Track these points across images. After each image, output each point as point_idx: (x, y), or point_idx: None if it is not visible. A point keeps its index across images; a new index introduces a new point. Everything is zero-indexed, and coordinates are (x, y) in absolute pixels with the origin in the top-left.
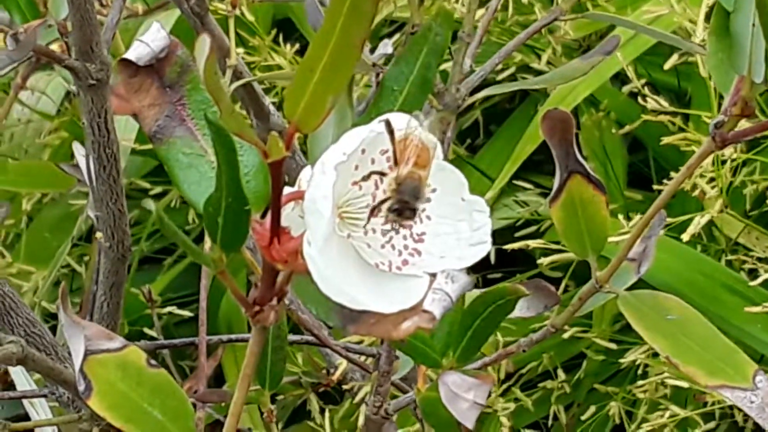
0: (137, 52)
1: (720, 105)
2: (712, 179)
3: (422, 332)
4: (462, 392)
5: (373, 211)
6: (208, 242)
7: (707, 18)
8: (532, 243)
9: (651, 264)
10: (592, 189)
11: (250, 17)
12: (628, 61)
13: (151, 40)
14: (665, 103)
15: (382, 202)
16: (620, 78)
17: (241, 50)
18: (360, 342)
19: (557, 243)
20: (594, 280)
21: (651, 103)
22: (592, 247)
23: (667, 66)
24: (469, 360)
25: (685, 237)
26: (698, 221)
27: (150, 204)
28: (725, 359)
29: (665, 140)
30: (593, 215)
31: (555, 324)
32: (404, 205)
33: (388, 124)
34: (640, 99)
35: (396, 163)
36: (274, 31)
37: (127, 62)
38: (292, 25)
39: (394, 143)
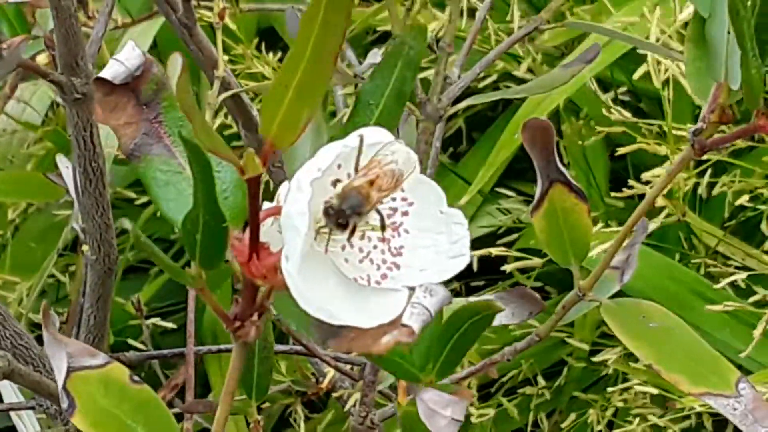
0: (112, 70)
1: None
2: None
3: (401, 347)
4: (440, 409)
5: (327, 211)
6: None
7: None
8: (494, 251)
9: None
10: (573, 198)
11: (233, 26)
12: (603, 67)
13: (125, 58)
14: (628, 114)
15: (327, 204)
16: (602, 85)
17: (225, 59)
18: (349, 351)
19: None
20: (577, 289)
21: (615, 114)
22: (574, 256)
23: (636, 75)
24: (448, 374)
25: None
26: (653, 225)
27: (126, 223)
28: (708, 366)
29: (620, 150)
30: (575, 224)
31: (539, 333)
32: (340, 215)
33: (361, 140)
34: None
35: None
36: (256, 40)
37: (102, 81)
38: (275, 33)
39: (359, 156)
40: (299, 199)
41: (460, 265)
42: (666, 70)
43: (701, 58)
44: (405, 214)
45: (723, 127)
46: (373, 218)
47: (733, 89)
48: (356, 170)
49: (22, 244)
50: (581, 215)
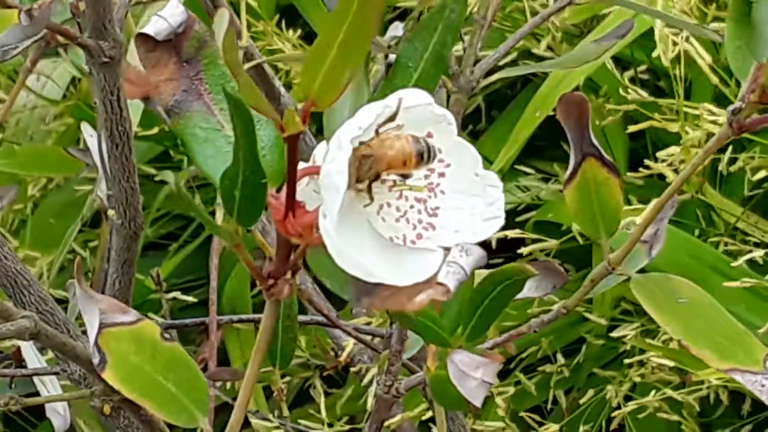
0: (156, 26)
1: (716, 91)
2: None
3: (432, 311)
4: (470, 371)
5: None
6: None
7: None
8: (510, 233)
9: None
10: (606, 172)
11: (253, 3)
12: (623, 46)
13: (169, 15)
14: (644, 93)
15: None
16: (621, 64)
17: (246, 35)
18: (369, 323)
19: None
20: (606, 262)
21: (632, 94)
22: (605, 229)
23: (655, 54)
24: (478, 339)
25: None
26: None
27: (169, 176)
28: (736, 343)
29: (631, 128)
30: (607, 198)
31: (567, 305)
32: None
33: (400, 100)
34: (621, 90)
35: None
36: (276, 17)
37: (145, 37)
38: (295, 11)
39: (393, 117)
40: (339, 157)
41: (494, 227)
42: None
43: (742, 37)
44: (442, 175)
45: None
46: (412, 178)
47: None
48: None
49: (42, 219)
50: (613, 189)
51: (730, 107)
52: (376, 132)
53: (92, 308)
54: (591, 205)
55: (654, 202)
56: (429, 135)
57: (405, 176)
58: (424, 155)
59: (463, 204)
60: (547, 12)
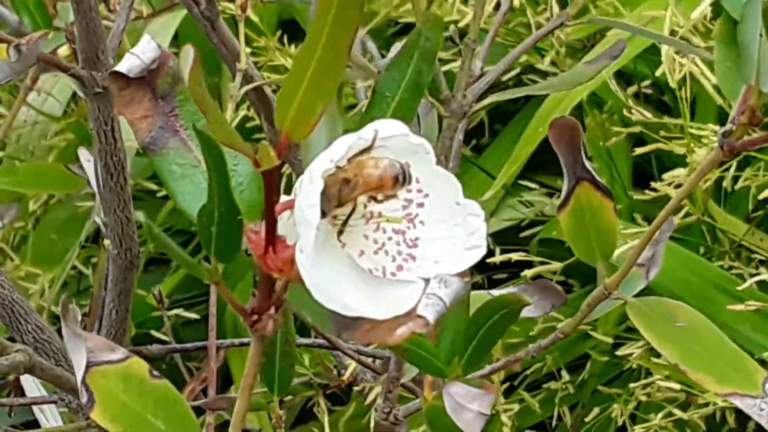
0: (128, 64)
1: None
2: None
3: (427, 341)
4: (466, 403)
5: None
6: None
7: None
8: (515, 256)
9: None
10: (600, 196)
11: (255, 18)
12: (626, 61)
13: (141, 51)
14: (649, 114)
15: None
16: (625, 78)
17: (247, 51)
18: (364, 343)
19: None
20: (602, 287)
21: (636, 115)
22: (600, 253)
23: (658, 72)
24: (474, 368)
25: None
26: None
27: (141, 216)
28: (735, 366)
29: (638, 150)
30: (601, 222)
31: (563, 330)
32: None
33: (375, 132)
34: (625, 111)
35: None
36: (279, 32)
37: (118, 75)
38: (297, 26)
39: (368, 150)
40: (311, 192)
41: (475, 256)
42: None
43: (731, 59)
44: (420, 205)
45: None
46: (388, 209)
47: (764, 91)
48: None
49: (44, 235)
50: (607, 213)
51: (721, 129)
52: (351, 159)
53: (79, 347)
54: (586, 230)
55: (646, 222)
56: (407, 165)
57: (383, 200)
58: (399, 177)
59: (444, 234)
60: (542, 32)
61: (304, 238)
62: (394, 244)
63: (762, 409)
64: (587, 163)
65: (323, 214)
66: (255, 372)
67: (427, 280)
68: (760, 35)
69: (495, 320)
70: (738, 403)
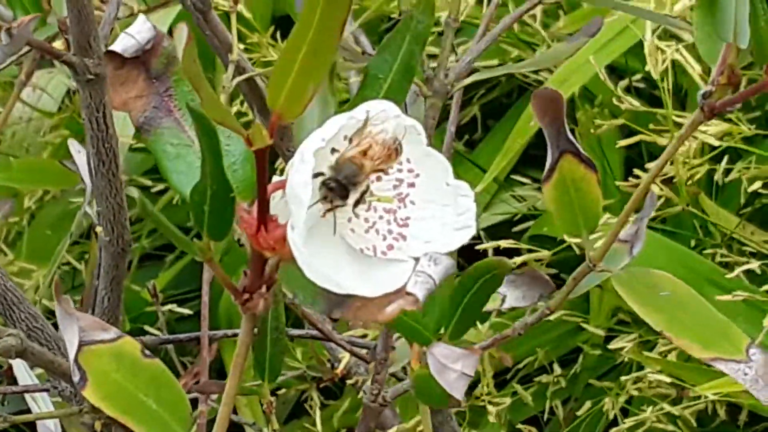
0: (123, 44)
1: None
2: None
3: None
4: (450, 363)
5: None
6: None
7: None
8: (504, 243)
9: (641, 247)
10: (583, 168)
11: (248, 14)
12: (617, 55)
13: (136, 32)
14: (637, 103)
15: (319, 175)
16: (617, 73)
17: (240, 47)
18: (364, 336)
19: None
20: (588, 260)
21: (626, 104)
22: (585, 226)
23: (649, 63)
24: (461, 336)
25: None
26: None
27: (134, 192)
28: (719, 333)
29: (621, 142)
30: (585, 194)
31: (550, 306)
32: (337, 184)
33: (367, 112)
34: (614, 100)
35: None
36: (272, 28)
37: (113, 54)
38: (291, 22)
39: (362, 129)
40: (302, 170)
41: (465, 236)
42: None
43: (710, 22)
44: (411, 185)
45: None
46: (379, 189)
47: (742, 48)
48: (354, 143)
49: (39, 231)
50: (591, 185)
51: (700, 91)
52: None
53: (72, 326)
54: (570, 202)
55: (638, 213)
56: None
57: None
58: (397, 148)
59: (434, 214)
60: (517, 13)
61: (295, 216)
62: (385, 224)
63: (746, 374)
64: (570, 135)
65: (345, 197)
66: (246, 351)
67: (417, 259)
68: None
69: (479, 286)
70: (722, 367)
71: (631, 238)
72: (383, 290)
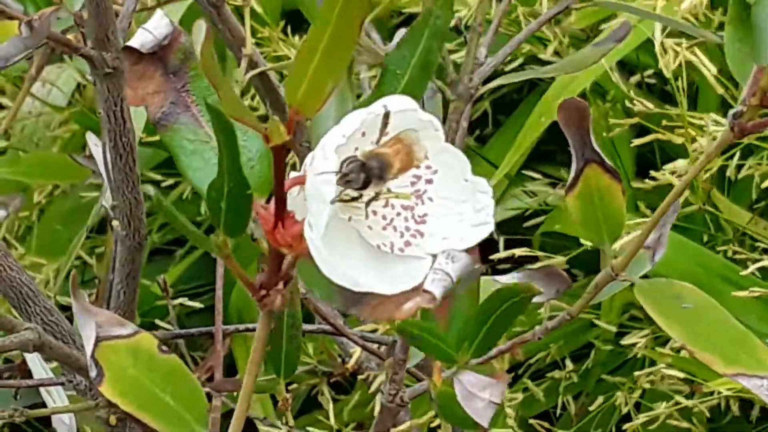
0: (141, 39)
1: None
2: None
3: (436, 327)
4: (477, 391)
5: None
6: None
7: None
8: (519, 251)
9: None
10: (608, 178)
11: (259, 9)
12: (629, 50)
13: (154, 27)
14: (651, 105)
15: (343, 170)
16: (627, 68)
17: (251, 41)
18: (375, 330)
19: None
20: (610, 268)
21: (638, 105)
22: (608, 236)
23: (662, 63)
24: (484, 355)
25: None
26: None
27: (150, 189)
28: (741, 347)
29: (636, 141)
30: (609, 203)
31: (570, 312)
32: (366, 172)
33: (386, 109)
34: (627, 102)
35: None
36: (282, 23)
37: (131, 50)
38: (301, 16)
39: (384, 126)
40: (324, 167)
41: (483, 233)
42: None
43: (742, 40)
44: (429, 181)
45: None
46: (397, 185)
47: None
48: (380, 139)
49: (49, 226)
50: (615, 195)
51: (732, 111)
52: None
53: (89, 321)
54: (594, 212)
55: (649, 210)
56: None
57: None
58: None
59: (452, 210)
60: (544, 18)
61: (315, 215)
62: (402, 220)
63: None
64: (596, 146)
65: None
66: (263, 347)
67: (434, 256)
68: None
69: (505, 309)
70: (745, 383)
71: (653, 244)
72: (400, 288)
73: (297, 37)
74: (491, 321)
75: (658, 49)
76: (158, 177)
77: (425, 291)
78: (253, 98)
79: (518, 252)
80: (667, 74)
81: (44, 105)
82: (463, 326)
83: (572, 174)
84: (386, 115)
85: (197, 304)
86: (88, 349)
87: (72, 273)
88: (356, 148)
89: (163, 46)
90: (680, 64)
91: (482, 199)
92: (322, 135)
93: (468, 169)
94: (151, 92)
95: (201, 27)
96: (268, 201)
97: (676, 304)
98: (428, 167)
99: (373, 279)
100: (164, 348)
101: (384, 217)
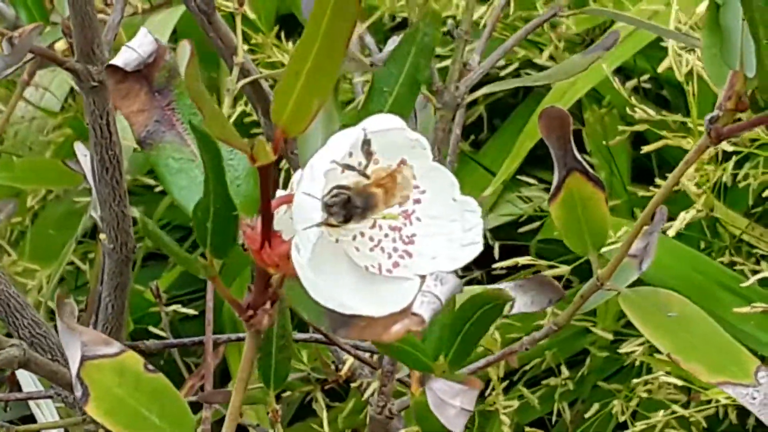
0: (124, 57)
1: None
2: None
3: (413, 337)
4: (449, 399)
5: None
6: None
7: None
8: (521, 260)
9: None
10: (591, 186)
11: (252, 15)
12: (629, 56)
13: (138, 45)
14: (652, 112)
15: (326, 201)
16: (624, 73)
17: (244, 47)
18: (359, 340)
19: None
20: (595, 278)
21: (639, 113)
22: (592, 244)
23: (660, 69)
24: (462, 363)
25: (671, 232)
26: (683, 217)
27: (135, 212)
28: (727, 355)
29: (645, 148)
30: (593, 212)
31: (557, 322)
32: (349, 210)
33: (365, 131)
34: (628, 109)
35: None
36: (276, 28)
37: (115, 68)
38: (296, 21)
39: (368, 151)
40: (313, 189)
41: (472, 253)
42: (687, 63)
43: (716, 45)
44: (417, 201)
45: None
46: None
47: (749, 76)
48: (367, 165)
49: (42, 231)
50: (599, 204)
51: (708, 116)
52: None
53: (74, 341)
54: (577, 221)
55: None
56: (403, 161)
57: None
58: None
59: (440, 230)
60: (531, 25)
61: (303, 238)
62: (390, 241)
63: (754, 398)
64: (577, 154)
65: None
66: (250, 366)
67: (423, 277)
68: (742, 20)
69: (480, 315)
70: (730, 391)
71: (640, 253)
72: (389, 309)
73: (290, 43)
74: (466, 329)
75: (670, 52)
76: (152, 182)
77: (414, 314)
78: (246, 104)
79: (521, 261)
80: (680, 77)
81: (37, 109)
82: (439, 335)
83: (555, 183)
84: (366, 142)
85: (191, 311)
86: (74, 368)
87: (58, 292)
88: (344, 168)
89: (148, 64)
90: (691, 70)
91: (471, 218)
92: (308, 153)
93: (456, 188)
94: (136, 110)
95: (186, 47)
96: (255, 220)
97: (661, 313)
98: (416, 186)
99: (360, 301)
100: (150, 367)
101: (371, 239)
